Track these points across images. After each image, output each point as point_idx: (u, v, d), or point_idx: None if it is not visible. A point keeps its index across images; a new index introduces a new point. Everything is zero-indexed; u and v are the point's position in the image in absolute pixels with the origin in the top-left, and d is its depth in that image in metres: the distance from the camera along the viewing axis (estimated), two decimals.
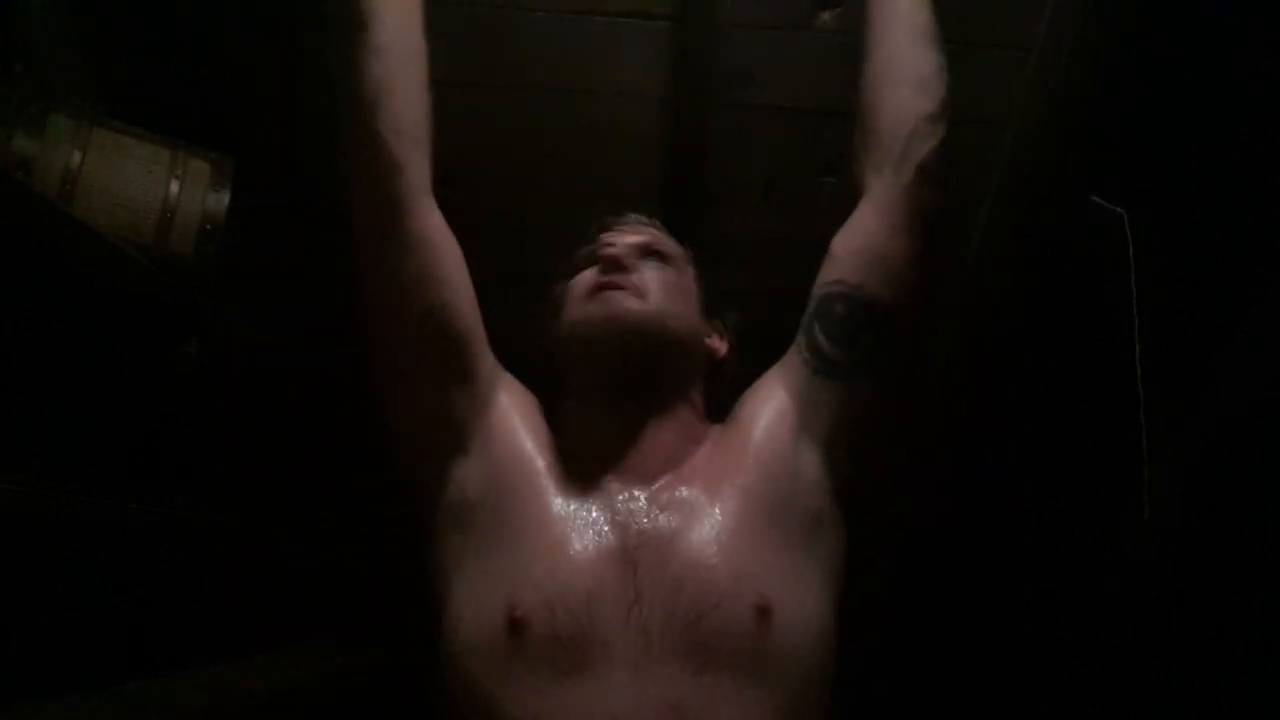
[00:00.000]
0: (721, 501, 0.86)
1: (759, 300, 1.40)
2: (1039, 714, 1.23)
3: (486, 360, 0.96)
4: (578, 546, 0.82)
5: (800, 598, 0.83)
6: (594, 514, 0.86)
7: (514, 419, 0.94)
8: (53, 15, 1.21)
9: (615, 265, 0.93)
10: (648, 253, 0.98)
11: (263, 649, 1.23)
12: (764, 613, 0.78)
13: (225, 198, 1.20)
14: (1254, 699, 0.96)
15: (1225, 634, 1.02)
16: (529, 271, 1.38)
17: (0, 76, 1.10)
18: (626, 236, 0.99)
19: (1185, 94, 1.13)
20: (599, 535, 0.84)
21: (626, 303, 0.92)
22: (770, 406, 0.93)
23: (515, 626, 0.77)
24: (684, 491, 0.88)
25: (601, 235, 1.00)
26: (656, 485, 0.89)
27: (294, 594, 1.28)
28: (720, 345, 1.04)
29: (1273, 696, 0.95)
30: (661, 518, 0.85)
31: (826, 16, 1.29)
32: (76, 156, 1.08)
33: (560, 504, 0.87)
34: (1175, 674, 1.05)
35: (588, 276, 0.96)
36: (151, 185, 1.14)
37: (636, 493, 0.88)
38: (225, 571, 1.25)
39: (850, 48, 1.31)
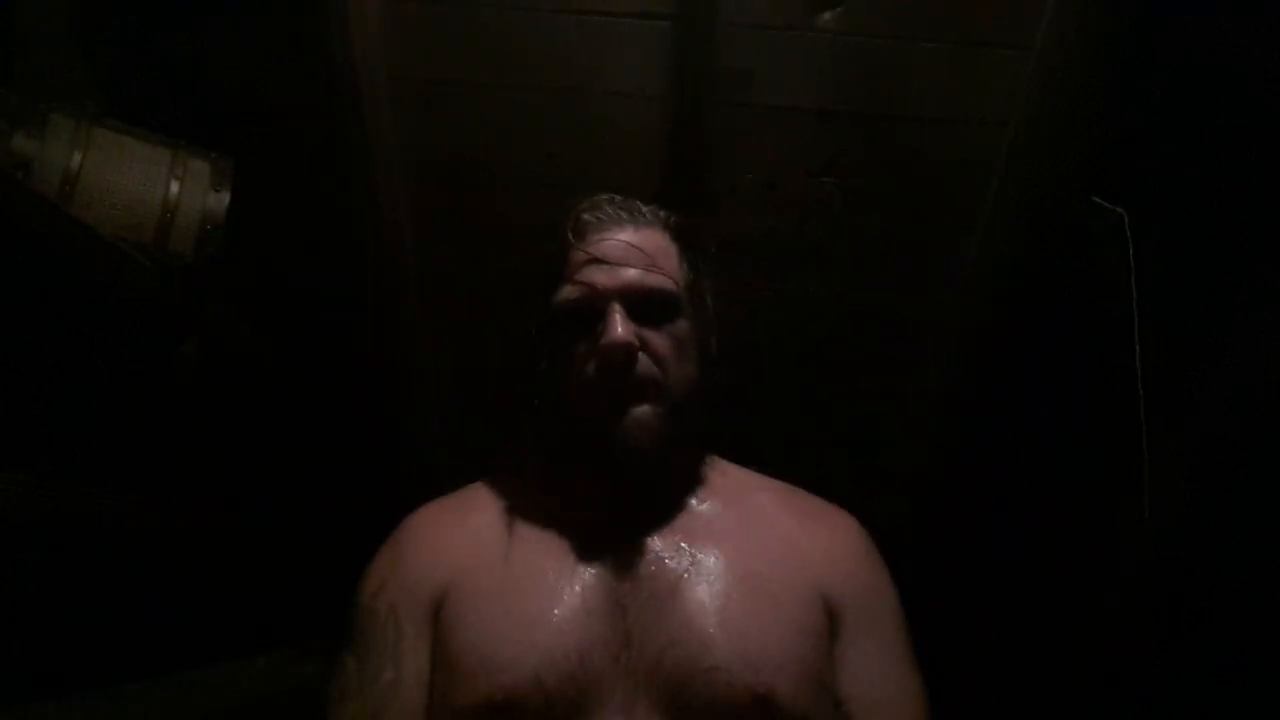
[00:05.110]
0: (731, 574, 0.85)
1: (759, 301, 1.41)
2: (1038, 717, 1.23)
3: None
4: (561, 607, 0.81)
5: (805, 690, 0.79)
6: (577, 566, 0.84)
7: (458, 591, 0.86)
8: (53, 15, 1.21)
9: (618, 367, 0.85)
10: (646, 301, 0.89)
11: (263, 649, 1.23)
12: (765, 703, 0.77)
13: (225, 198, 1.20)
14: (1253, 699, 0.96)
15: (1225, 635, 1.02)
16: (527, 271, 1.39)
17: (0, 76, 1.10)
18: (618, 276, 0.89)
19: (1185, 94, 1.14)
20: (584, 587, 0.83)
21: (639, 417, 0.85)
22: (808, 590, 0.87)
23: (498, 712, 0.76)
24: (686, 549, 0.87)
25: (582, 275, 0.90)
26: (653, 534, 0.88)
27: (294, 593, 1.28)
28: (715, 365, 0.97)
29: (1273, 697, 0.95)
30: (656, 568, 0.85)
31: (826, 16, 1.29)
32: (76, 156, 1.08)
33: (536, 566, 0.85)
34: (1174, 674, 1.05)
35: (586, 356, 0.88)
36: (151, 185, 1.14)
37: (628, 539, 0.87)
38: (224, 571, 1.26)
39: (850, 48, 1.33)
